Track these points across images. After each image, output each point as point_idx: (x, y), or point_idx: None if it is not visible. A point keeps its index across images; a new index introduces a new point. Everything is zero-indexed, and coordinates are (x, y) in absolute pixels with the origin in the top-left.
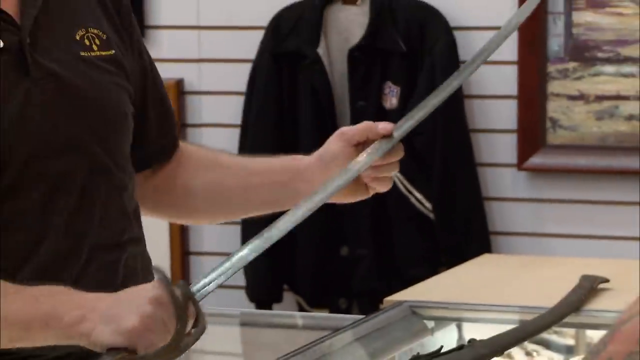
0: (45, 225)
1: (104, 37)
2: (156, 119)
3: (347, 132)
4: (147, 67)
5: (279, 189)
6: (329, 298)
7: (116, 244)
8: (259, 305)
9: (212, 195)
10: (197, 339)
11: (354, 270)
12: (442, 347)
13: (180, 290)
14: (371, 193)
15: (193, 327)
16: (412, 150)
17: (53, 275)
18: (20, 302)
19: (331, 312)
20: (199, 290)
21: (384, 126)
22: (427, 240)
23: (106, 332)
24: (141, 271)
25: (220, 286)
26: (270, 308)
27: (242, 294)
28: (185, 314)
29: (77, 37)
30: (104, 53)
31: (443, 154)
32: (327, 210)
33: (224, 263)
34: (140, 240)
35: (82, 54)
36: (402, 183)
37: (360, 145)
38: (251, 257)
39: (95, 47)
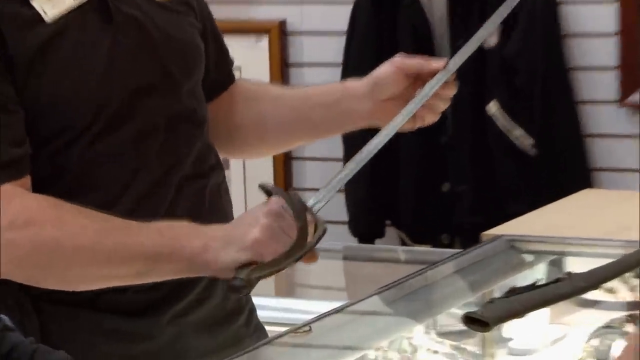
0: (139, 159)
1: None
2: (214, 53)
3: (404, 59)
4: (204, 8)
5: (327, 109)
6: (431, 234)
7: (201, 173)
8: (362, 240)
9: (261, 126)
10: (320, 238)
11: (455, 205)
12: (537, 280)
13: (295, 198)
14: (417, 124)
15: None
16: (512, 88)
17: (149, 204)
18: (144, 235)
19: (434, 247)
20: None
21: (437, 62)
22: (526, 175)
23: (231, 253)
24: (223, 198)
25: None
26: (372, 242)
27: (344, 229)
28: (304, 216)
29: None
30: None
31: (544, 91)
32: (428, 147)
33: (329, 182)
34: (220, 168)
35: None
36: (503, 119)
37: (411, 77)
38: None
39: None
